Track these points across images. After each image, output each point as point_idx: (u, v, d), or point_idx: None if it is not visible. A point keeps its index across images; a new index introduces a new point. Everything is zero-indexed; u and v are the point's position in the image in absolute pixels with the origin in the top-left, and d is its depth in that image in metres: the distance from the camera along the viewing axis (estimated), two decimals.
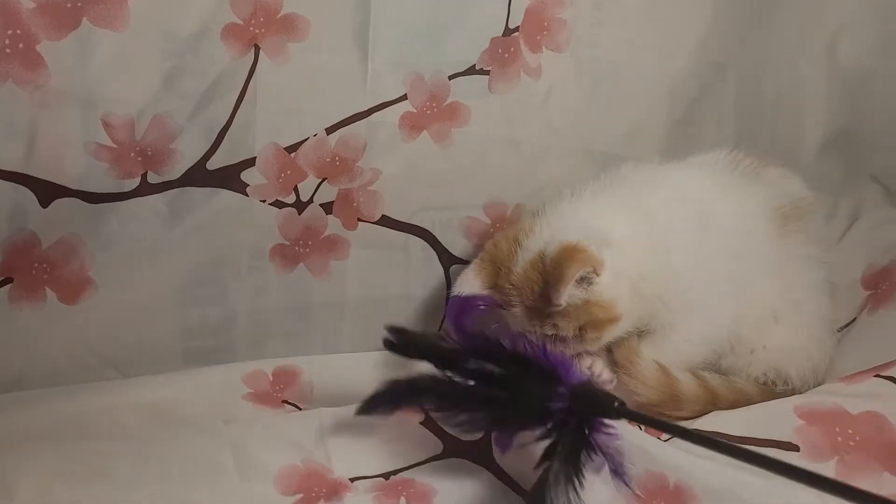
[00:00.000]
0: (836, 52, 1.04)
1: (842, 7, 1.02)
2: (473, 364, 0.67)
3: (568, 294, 0.72)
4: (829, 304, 0.86)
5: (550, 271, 0.73)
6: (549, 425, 0.64)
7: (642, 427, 0.69)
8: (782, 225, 0.83)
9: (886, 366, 0.74)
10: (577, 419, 0.63)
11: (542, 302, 0.75)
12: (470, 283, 0.80)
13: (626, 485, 0.63)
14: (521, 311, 0.77)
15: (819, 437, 0.68)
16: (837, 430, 0.68)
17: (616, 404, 0.63)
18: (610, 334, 0.77)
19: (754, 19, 1.00)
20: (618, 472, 0.63)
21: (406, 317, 0.95)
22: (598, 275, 0.74)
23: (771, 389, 0.82)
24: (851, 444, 0.67)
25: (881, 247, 0.96)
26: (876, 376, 0.72)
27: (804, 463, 0.66)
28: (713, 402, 0.78)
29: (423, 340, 0.73)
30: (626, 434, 0.69)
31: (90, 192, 0.78)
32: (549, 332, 0.75)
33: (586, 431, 0.63)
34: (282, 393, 0.86)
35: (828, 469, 0.66)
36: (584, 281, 0.74)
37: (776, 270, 0.82)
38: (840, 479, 0.65)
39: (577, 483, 0.61)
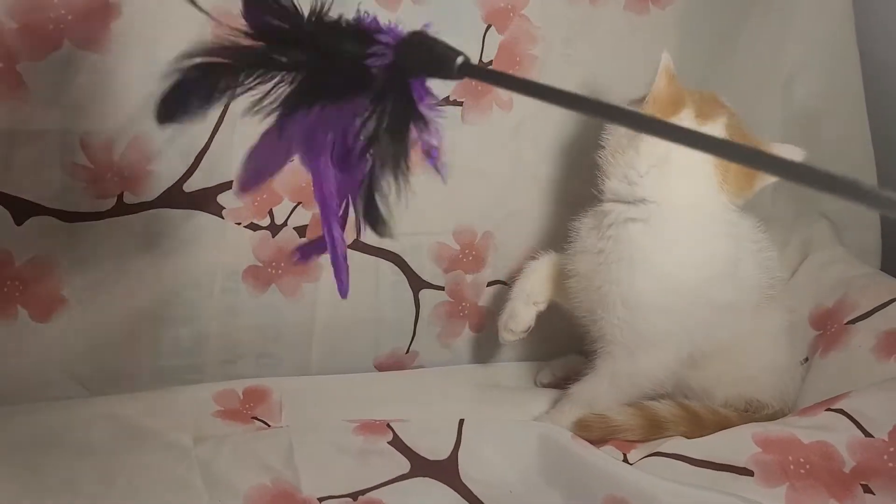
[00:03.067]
0: (791, 93, 1.09)
1: (797, 51, 1.07)
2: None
3: None
4: (792, 328, 0.90)
5: None
6: (366, 93, 0.49)
7: None
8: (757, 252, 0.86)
9: (835, 399, 0.78)
10: (402, 80, 0.48)
11: None
12: None
13: (438, 171, 0.48)
14: None
15: (773, 464, 0.71)
16: (790, 458, 0.71)
17: (459, 60, 0.47)
18: None
19: (715, 59, 1.05)
20: (432, 156, 0.48)
21: (375, 339, 0.96)
22: None
23: (751, 415, 0.84)
24: (802, 471, 0.71)
25: (827, 287, 1.01)
26: (827, 410, 0.76)
27: (757, 488, 0.70)
28: (697, 424, 0.81)
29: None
30: (588, 457, 0.72)
31: (66, 211, 0.78)
32: None
33: (413, 98, 0.48)
34: (251, 411, 0.87)
35: (778, 494, 0.69)
36: None
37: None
38: None
39: (403, 166, 0.48)
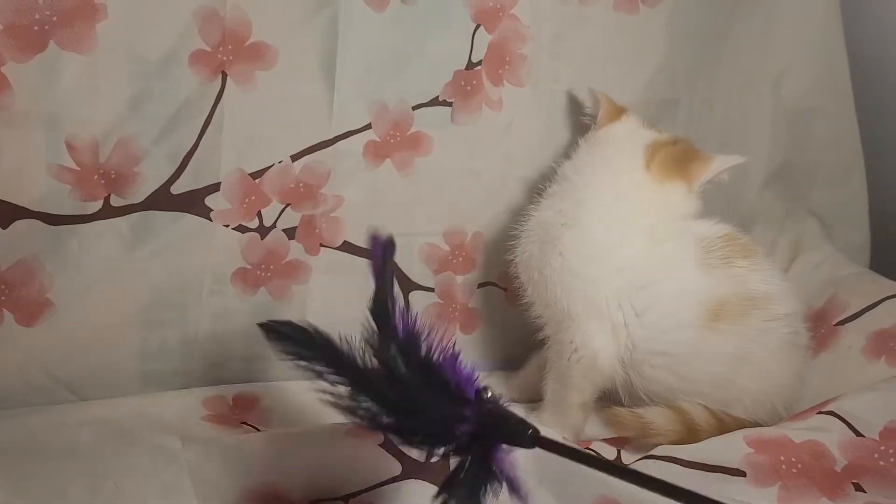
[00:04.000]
0: (780, 92, 1.10)
1: (785, 50, 1.08)
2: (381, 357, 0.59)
3: None
4: (799, 353, 0.87)
5: None
6: (451, 447, 0.58)
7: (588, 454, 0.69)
8: (705, 257, 0.84)
9: (826, 403, 0.78)
10: (483, 445, 0.57)
11: None
12: None
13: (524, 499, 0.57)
14: None
15: (765, 464, 0.71)
16: (782, 458, 0.71)
17: (530, 432, 0.58)
18: None
19: (704, 58, 1.05)
20: (519, 493, 0.57)
21: None
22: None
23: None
24: (794, 471, 0.71)
25: (817, 288, 1.01)
26: (818, 413, 0.77)
27: (749, 489, 0.70)
28: (723, 426, 0.80)
29: (317, 338, 0.63)
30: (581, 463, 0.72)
31: (51, 214, 0.77)
32: None
33: (492, 459, 0.57)
34: (241, 416, 0.86)
35: (771, 494, 0.69)
36: None
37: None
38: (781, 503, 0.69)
39: None
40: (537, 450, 0.71)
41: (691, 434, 0.80)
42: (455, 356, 0.60)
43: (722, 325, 0.81)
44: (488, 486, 0.56)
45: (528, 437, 0.57)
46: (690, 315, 0.82)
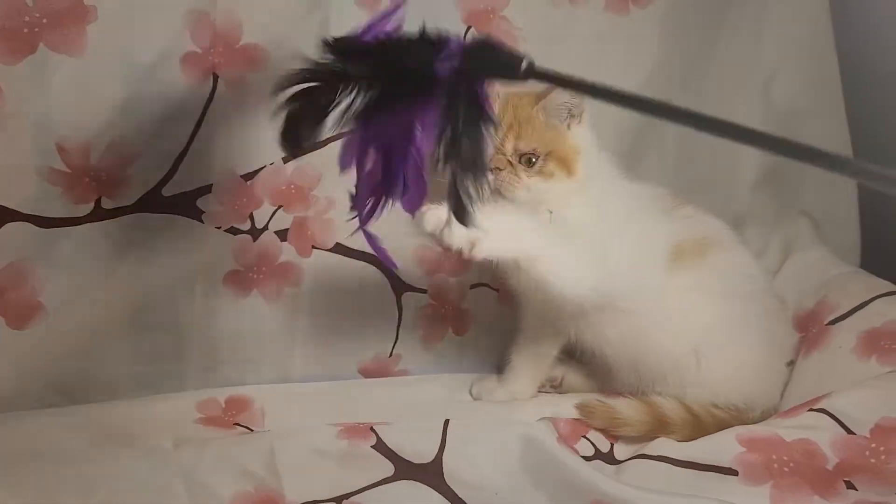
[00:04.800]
0: (771, 92, 1.10)
1: (776, 51, 1.08)
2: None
3: (559, 103, 0.80)
4: (768, 333, 0.90)
5: (546, 92, 0.80)
6: (438, 96, 0.54)
7: None
8: (675, 260, 0.85)
9: (817, 400, 0.78)
10: (471, 83, 0.53)
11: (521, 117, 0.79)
12: None
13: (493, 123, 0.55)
14: None
15: (757, 463, 0.72)
16: (774, 456, 0.72)
17: (525, 63, 0.53)
18: (560, 183, 0.80)
19: (695, 59, 1.05)
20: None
21: (358, 343, 0.96)
22: (581, 115, 0.82)
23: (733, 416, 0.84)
24: (786, 469, 0.71)
25: (809, 288, 1.02)
26: (809, 410, 0.77)
27: (742, 487, 0.70)
28: (699, 428, 0.81)
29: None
30: (575, 467, 0.72)
31: (42, 217, 0.77)
32: (507, 150, 0.79)
33: (483, 101, 0.54)
34: (234, 418, 0.86)
35: (763, 492, 0.70)
36: (571, 111, 0.81)
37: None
38: (774, 503, 0.69)
39: (482, 166, 0.55)
40: (531, 453, 0.71)
41: (661, 427, 0.81)
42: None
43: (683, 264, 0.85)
44: (485, 126, 0.54)
45: (522, 68, 0.53)
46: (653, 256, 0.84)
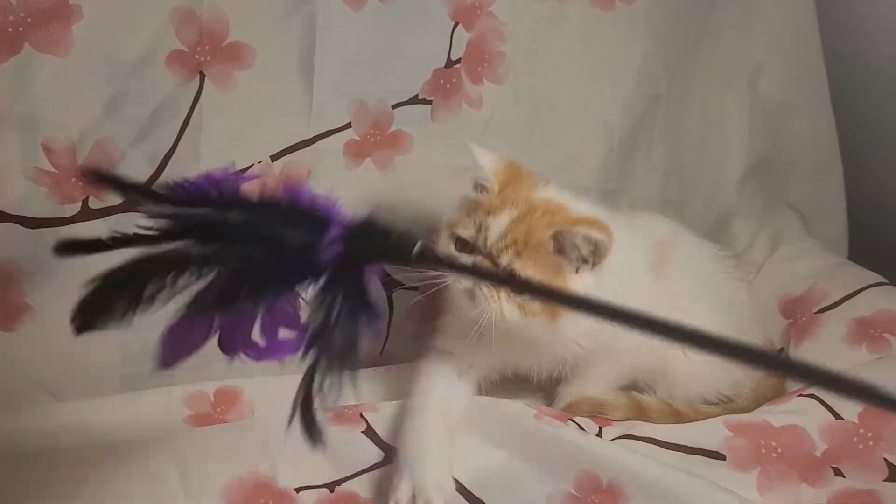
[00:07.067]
0: (757, 87, 1.10)
1: (762, 46, 1.09)
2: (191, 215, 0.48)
3: (580, 239, 0.70)
4: (739, 321, 0.89)
5: (576, 219, 0.72)
6: (313, 283, 0.47)
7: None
8: (657, 271, 0.84)
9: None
10: (355, 269, 0.47)
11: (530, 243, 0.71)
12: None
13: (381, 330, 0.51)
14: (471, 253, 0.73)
15: (745, 448, 0.72)
16: (762, 442, 0.72)
17: (417, 245, 0.47)
18: (538, 326, 0.72)
19: (680, 53, 1.06)
20: (376, 318, 0.47)
21: None
22: (600, 263, 0.72)
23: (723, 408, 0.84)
24: (774, 455, 0.71)
25: (796, 276, 1.02)
26: (799, 395, 0.77)
27: (729, 472, 0.70)
28: (679, 420, 0.81)
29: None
30: (562, 434, 0.72)
31: (29, 217, 0.77)
32: (501, 262, 0.71)
33: (365, 286, 0.47)
34: (223, 415, 0.86)
35: (750, 478, 0.70)
36: (593, 252, 0.71)
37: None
38: (761, 489, 0.69)
39: (353, 362, 0.47)
40: (520, 432, 0.70)
41: (640, 412, 0.81)
42: (301, 186, 0.50)
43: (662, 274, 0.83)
44: (364, 317, 0.46)
45: (414, 252, 0.47)
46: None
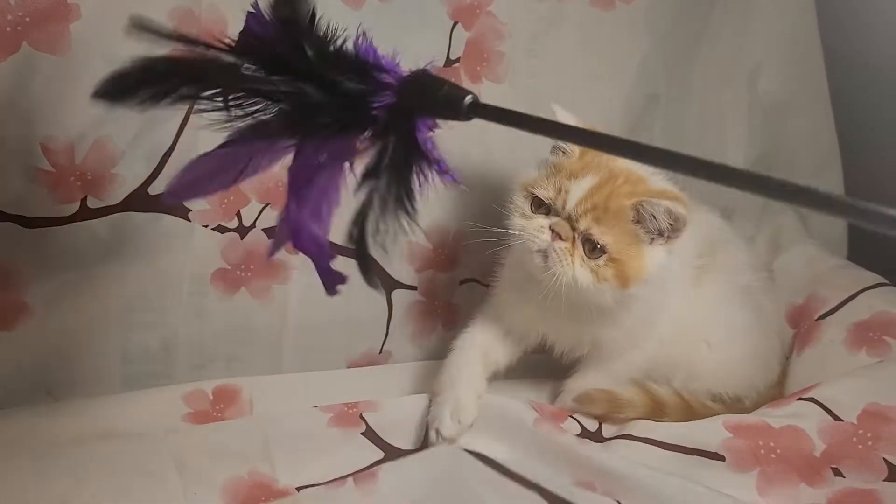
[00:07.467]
0: (757, 87, 1.10)
1: (761, 45, 1.09)
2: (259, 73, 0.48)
3: (660, 212, 0.71)
4: (766, 328, 0.90)
5: (660, 191, 0.73)
6: (367, 133, 0.48)
7: None
8: (697, 277, 0.84)
9: (807, 390, 0.79)
10: (406, 121, 0.48)
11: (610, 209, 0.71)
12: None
13: (455, 180, 0.49)
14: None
15: (744, 449, 0.72)
16: (761, 443, 0.72)
17: (468, 99, 0.47)
18: (607, 291, 0.73)
19: (680, 53, 1.06)
20: (443, 171, 0.49)
21: (348, 341, 0.95)
22: (675, 240, 0.73)
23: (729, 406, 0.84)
24: (773, 456, 0.71)
25: (798, 284, 1.02)
26: (798, 399, 0.77)
27: (728, 473, 0.70)
28: (690, 415, 0.81)
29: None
30: (559, 439, 0.72)
31: (28, 217, 0.77)
32: (580, 226, 0.72)
33: (417, 138, 0.48)
34: (222, 413, 0.86)
35: (750, 479, 0.70)
36: (671, 227, 0.72)
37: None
38: (760, 490, 0.69)
39: (409, 207, 0.47)
40: (520, 433, 0.71)
41: (657, 410, 0.81)
42: (369, 43, 0.50)
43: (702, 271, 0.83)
44: (416, 166, 0.47)
45: (465, 106, 0.47)
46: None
